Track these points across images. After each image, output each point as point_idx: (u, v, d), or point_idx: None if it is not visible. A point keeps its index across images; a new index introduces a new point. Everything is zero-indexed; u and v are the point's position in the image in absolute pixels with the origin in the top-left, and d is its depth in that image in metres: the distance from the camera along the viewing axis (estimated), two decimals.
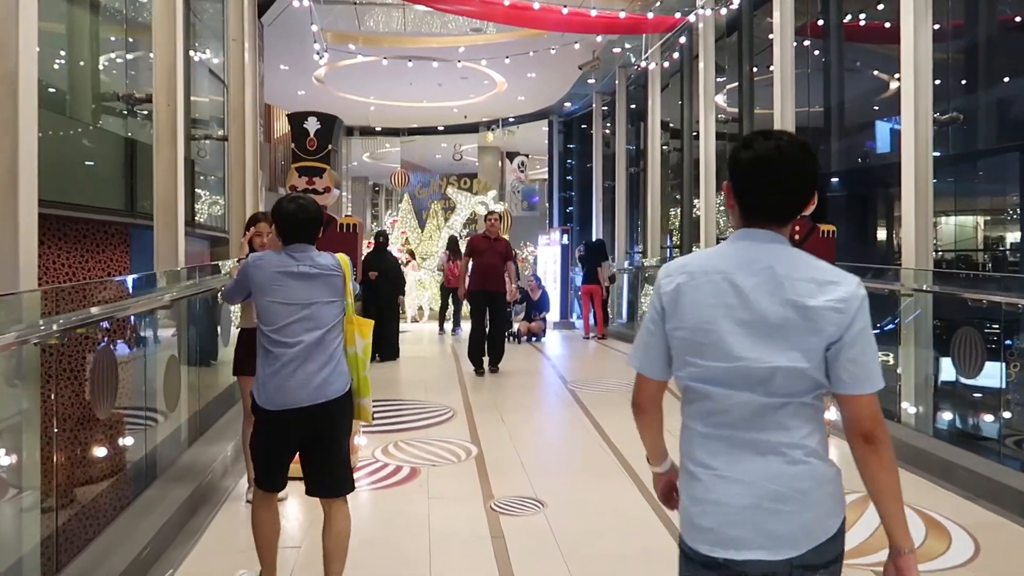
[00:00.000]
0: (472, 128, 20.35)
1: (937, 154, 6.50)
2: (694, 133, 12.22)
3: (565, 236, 15.60)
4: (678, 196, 14.24)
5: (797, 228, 5.11)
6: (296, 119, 5.18)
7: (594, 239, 14.80)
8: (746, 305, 1.61)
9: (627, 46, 13.54)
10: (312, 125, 5.14)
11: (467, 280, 8.62)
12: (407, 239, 18.57)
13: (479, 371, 8.52)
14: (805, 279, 1.60)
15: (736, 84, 11.77)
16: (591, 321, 13.03)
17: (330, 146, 5.14)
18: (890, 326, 6.24)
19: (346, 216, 5.23)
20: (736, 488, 1.60)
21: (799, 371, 1.58)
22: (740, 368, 1.60)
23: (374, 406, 3.46)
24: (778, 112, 8.68)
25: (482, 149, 22.35)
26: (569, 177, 19.43)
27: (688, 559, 1.68)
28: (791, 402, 1.60)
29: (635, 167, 15.21)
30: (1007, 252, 8.58)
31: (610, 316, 14.22)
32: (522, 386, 8.11)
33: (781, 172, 1.63)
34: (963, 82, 8.43)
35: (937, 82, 6.47)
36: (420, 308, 18.29)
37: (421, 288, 18.03)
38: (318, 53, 11.16)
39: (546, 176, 24.94)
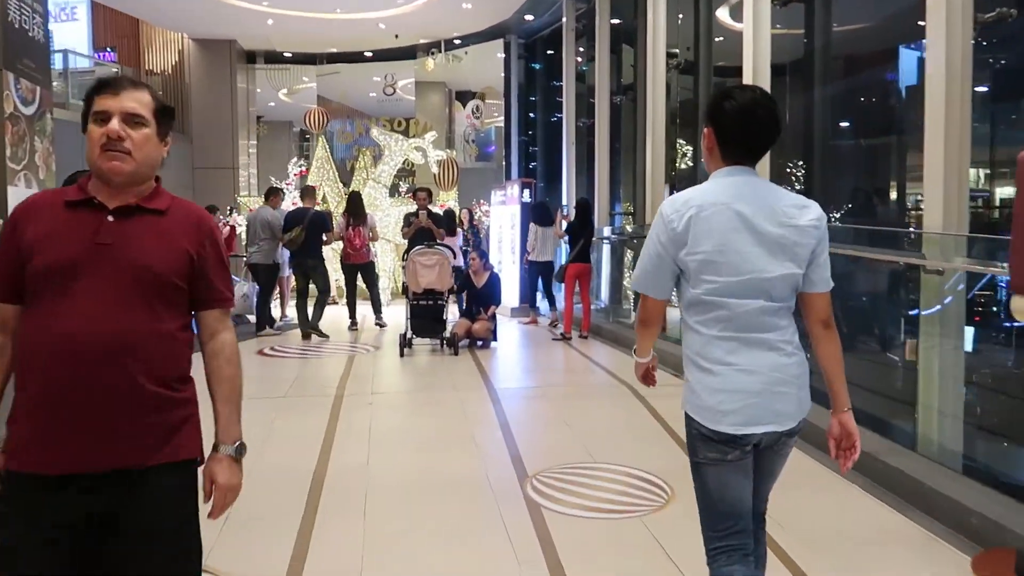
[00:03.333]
0: (408, 54, 15.97)
1: None
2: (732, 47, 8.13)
3: (527, 191, 11.50)
4: (681, 141, 10.22)
5: None
6: None
7: (579, 198, 10.75)
8: (751, 228, 1.99)
9: None
10: None
11: None
12: (323, 196, 14.26)
13: None
14: (788, 205, 2.03)
15: None
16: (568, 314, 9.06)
17: None
18: None
19: None
20: (751, 378, 2.01)
21: (795, 276, 2.03)
22: (751, 279, 1.99)
23: None
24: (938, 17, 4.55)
25: (423, 85, 17.97)
26: (532, 115, 15.18)
27: (706, 438, 2.06)
28: (783, 306, 2.05)
29: (622, 96, 11.07)
30: None
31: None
32: (430, 497, 4.04)
33: (761, 118, 2.04)
34: None
35: None
36: (339, 287, 14.11)
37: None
38: None
39: (503, 119, 20.70)
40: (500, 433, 4.97)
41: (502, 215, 12.10)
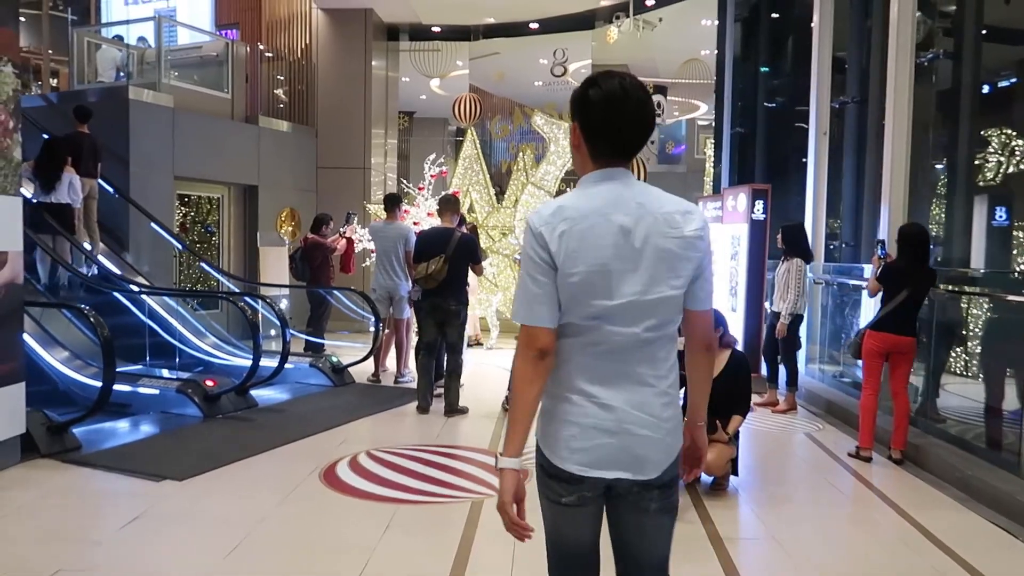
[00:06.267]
0: (583, 22, 12.44)
1: None
2: None
3: (759, 203, 7.66)
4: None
5: None
6: None
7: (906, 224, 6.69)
8: (631, 242, 1.73)
9: None
10: None
11: None
12: (469, 205, 11.05)
13: None
14: (672, 211, 1.77)
15: None
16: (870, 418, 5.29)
17: None
18: None
19: None
20: (610, 414, 1.76)
21: (680, 297, 1.78)
22: (631, 303, 1.73)
23: None
24: None
25: (601, 70, 14.38)
26: (739, 102, 11.14)
27: (547, 473, 1.83)
28: (662, 335, 1.79)
29: (931, 57, 6.89)
30: None
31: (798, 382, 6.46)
32: None
33: (629, 109, 1.76)
34: None
35: None
36: (482, 323, 10.82)
37: (490, 288, 10.56)
38: None
39: (696, 114, 16.73)
40: None
41: (718, 238, 8.27)
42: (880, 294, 5.28)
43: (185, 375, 6.73)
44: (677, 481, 1.88)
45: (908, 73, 6.58)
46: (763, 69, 10.70)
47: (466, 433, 5.84)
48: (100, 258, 8.22)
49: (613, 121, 1.77)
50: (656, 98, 16.59)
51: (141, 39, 11.19)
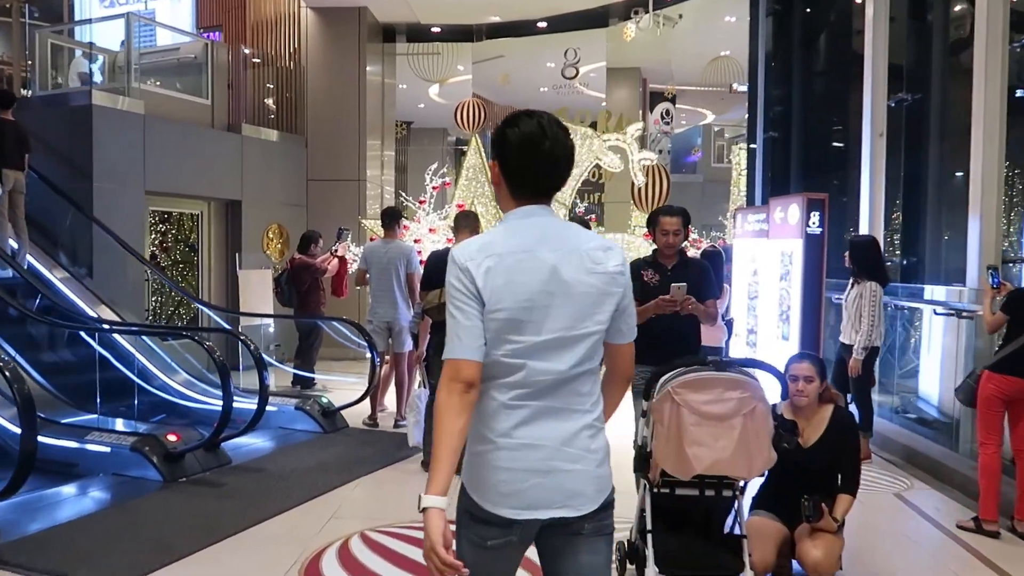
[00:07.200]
0: (597, 18, 11.42)
1: None
2: None
3: (814, 216, 6.59)
4: None
5: None
6: None
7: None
8: (557, 279, 1.73)
9: None
10: None
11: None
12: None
13: None
14: (594, 248, 1.78)
15: None
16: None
17: None
18: None
19: None
20: (539, 454, 1.72)
21: (602, 331, 1.78)
22: (557, 339, 1.72)
23: None
24: None
25: (615, 74, 13.42)
26: (780, 107, 10.11)
27: (473, 516, 1.76)
28: (586, 369, 1.77)
29: None
30: None
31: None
32: None
33: (548, 147, 1.76)
34: None
35: None
36: None
37: None
38: None
39: (709, 120, 15.76)
40: None
41: (763, 255, 7.22)
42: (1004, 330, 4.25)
43: (143, 427, 5.65)
44: (612, 505, 1.83)
45: (1000, 61, 5.57)
46: (798, 67, 9.71)
47: None
48: (49, 275, 7.20)
49: (530, 163, 1.78)
50: (664, 106, 15.67)
51: (124, 44, 10.20)
